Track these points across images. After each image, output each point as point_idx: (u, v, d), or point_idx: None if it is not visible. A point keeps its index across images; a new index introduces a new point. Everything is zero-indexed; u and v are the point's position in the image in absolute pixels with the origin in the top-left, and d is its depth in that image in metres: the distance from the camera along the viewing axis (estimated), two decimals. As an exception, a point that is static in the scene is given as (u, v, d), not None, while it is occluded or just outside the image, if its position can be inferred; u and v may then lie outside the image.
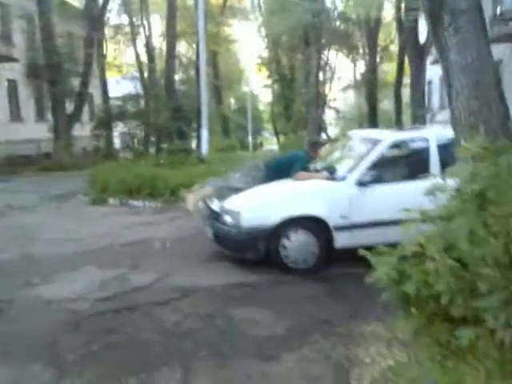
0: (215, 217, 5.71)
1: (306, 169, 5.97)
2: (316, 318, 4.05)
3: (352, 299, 4.42)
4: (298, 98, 27.98)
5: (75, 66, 20.83)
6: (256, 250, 5.33)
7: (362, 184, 5.37)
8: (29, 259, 6.11)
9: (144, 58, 29.24)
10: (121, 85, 26.14)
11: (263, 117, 62.64)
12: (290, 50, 30.32)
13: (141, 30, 29.61)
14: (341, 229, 5.30)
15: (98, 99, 28.10)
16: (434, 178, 3.96)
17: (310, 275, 5.17)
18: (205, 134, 18.88)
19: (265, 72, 40.56)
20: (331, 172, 5.74)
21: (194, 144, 22.45)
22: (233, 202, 5.64)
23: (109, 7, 29.30)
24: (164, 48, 27.00)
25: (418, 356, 2.97)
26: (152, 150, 22.08)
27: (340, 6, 26.50)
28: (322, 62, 26.10)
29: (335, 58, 33.21)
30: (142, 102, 23.76)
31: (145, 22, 29.51)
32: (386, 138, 5.77)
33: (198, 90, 20.92)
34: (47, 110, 21.61)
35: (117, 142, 25.24)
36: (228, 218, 5.47)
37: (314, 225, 5.30)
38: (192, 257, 6.02)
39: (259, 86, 49.78)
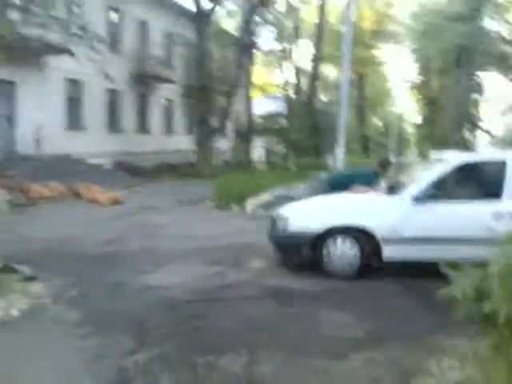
0: (272, 222, 6.09)
1: (369, 185, 6.08)
2: (395, 324, 3.97)
3: (435, 310, 4.15)
4: (445, 120, 26.59)
5: (223, 86, 22.32)
6: (299, 254, 5.61)
7: (418, 200, 5.44)
8: (149, 252, 6.72)
9: (290, 78, 30.34)
10: (264, 104, 27.42)
11: (410, 139, 60.52)
12: (440, 73, 29.07)
13: (289, 53, 30.86)
14: (389, 241, 5.39)
15: (244, 116, 29.81)
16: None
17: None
18: (339, 151, 18.88)
19: (414, 95, 39.41)
20: (391, 188, 5.81)
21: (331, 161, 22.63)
22: (285, 209, 6.07)
23: (262, 34, 31.32)
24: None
25: (492, 375, 2.69)
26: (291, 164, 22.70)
27: (496, 27, 24.78)
28: (473, 84, 24.56)
29: (490, 79, 31.10)
30: (282, 120, 24.62)
31: (294, 46, 30.69)
32: (451, 159, 5.82)
33: (338, 110, 21.14)
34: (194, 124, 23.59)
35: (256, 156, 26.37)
36: (279, 223, 5.83)
37: (360, 235, 5.42)
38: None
39: (407, 109, 48.46)
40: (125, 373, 3.16)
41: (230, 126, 25.79)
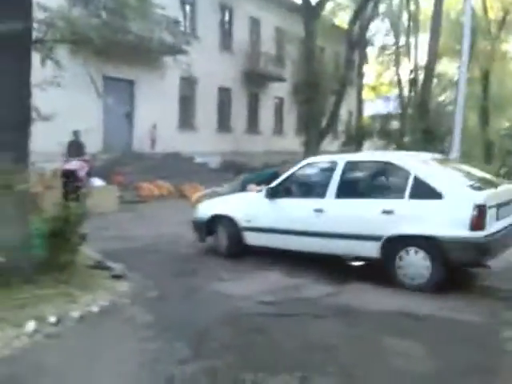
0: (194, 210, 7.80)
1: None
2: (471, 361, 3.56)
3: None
4: None
5: (334, 85, 21.90)
6: (201, 232, 7.36)
7: (269, 196, 6.55)
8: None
9: (406, 77, 29.05)
10: (376, 104, 26.58)
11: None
12: None
13: (406, 49, 29.48)
14: (248, 230, 6.73)
15: (355, 117, 29.16)
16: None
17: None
18: (453, 156, 17.69)
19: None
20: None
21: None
22: (203, 202, 7.83)
23: (376, 28, 30.23)
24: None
25: None
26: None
27: None
28: None
29: None
30: (395, 122, 23.65)
31: (412, 41, 29.27)
32: (304, 160, 6.95)
33: (454, 111, 19.84)
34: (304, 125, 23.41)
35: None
36: (195, 211, 7.66)
37: (230, 223, 6.89)
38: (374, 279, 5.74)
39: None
40: (171, 381, 3.23)
41: (339, 128, 25.43)
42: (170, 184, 14.60)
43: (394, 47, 30.75)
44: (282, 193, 6.50)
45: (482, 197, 5.20)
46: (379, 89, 33.51)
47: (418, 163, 5.86)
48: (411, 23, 28.71)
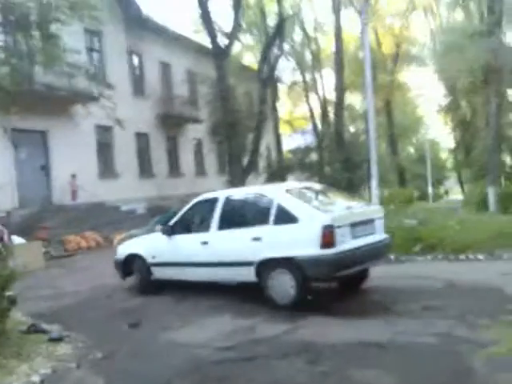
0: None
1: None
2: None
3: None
4: (479, 143, 25.82)
5: (251, 122, 22.33)
6: (120, 272, 7.94)
7: (165, 233, 7.32)
8: (178, 303, 6.50)
9: (317, 110, 30.31)
10: (294, 139, 27.38)
11: (445, 165, 59.16)
12: (468, 93, 28.42)
13: (313, 84, 30.86)
14: (154, 265, 7.44)
15: (274, 152, 29.79)
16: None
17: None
18: (374, 184, 18.46)
19: (445, 118, 38.65)
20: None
21: (365, 195, 22.20)
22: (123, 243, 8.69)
23: (283, 66, 31.49)
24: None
25: None
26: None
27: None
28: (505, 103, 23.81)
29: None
30: (314, 154, 24.41)
31: (317, 77, 30.72)
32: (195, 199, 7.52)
33: (367, 141, 20.88)
34: (226, 164, 23.53)
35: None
36: (115, 251, 8.30)
37: (140, 260, 7.59)
38: (322, 310, 5.75)
39: (440, 133, 47.52)
40: None
41: (261, 164, 25.78)
42: (97, 235, 13.98)
43: (301, 83, 32.13)
44: (178, 229, 7.23)
45: (329, 218, 5.82)
46: (294, 123, 34.67)
47: (281, 192, 6.46)
48: (314, 61, 30.23)
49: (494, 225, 10.33)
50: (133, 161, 20.41)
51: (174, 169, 23.65)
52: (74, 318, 6.08)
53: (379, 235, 6.58)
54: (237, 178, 20.23)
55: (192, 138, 25.25)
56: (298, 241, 5.87)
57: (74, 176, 16.41)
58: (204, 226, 6.94)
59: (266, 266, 6.04)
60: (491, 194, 18.98)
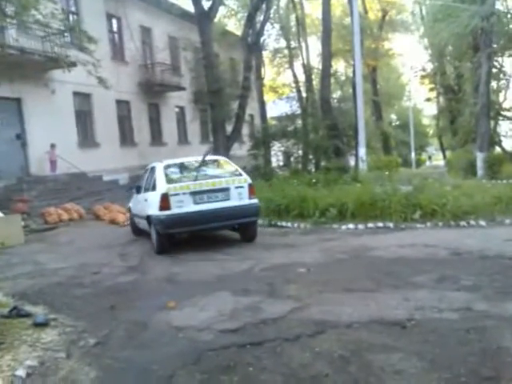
0: None
1: None
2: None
3: None
4: (466, 109, 25.50)
5: (235, 90, 21.61)
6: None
7: (136, 193, 9.55)
8: (171, 281, 6.06)
9: (302, 78, 29.63)
10: (278, 106, 26.73)
11: (428, 132, 59.27)
12: (456, 59, 27.96)
13: (298, 51, 30.11)
14: (133, 216, 9.93)
15: (258, 120, 29.16)
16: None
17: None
18: (362, 151, 18.11)
19: (428, 85, 38.24)
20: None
21: (352, 162, 21.86)
22: None
23: (268, 33, 30.55)
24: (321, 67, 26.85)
25: None
26: (311, 168, 21.92)
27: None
28: (494, 69, 23.44)
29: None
30: (299, 121, 23.86)
31: (302, 44, 29.96)
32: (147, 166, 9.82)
33: (354, 107, 20.39)
34: (210, 132, 22.85)
35: (275, 161, 25.60)
36: None
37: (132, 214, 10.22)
38: (336, 284, 5.38)
39: (422, 100, 47.26)
40: None
41: (245, 132, 25.16)
42: (79, 206, 13.38)
43: (286, 50, 31.29)
44: (140, 190, 9.29)
45: (165, 188, 7.77)
46: (278, 90, 33.97)
47: (159, 167, 8.50)
48: (299, 27, 29.37)
49: (491, 190, 10.07)
50: (114, 129, 19.64)
51: (157, 137, 22.96)
52: (60, 298, 5.59)
53: (236, 201, 7.93)
54: (221, 147, 19.64)
55: (175, 105, 24.47)
56: (153, 204, 7.98)
57: (53, 146, 15.65)
58: (145, 187, 8.99)
59: (148, 221, 8.20)
60: (480, 159, 18.82)
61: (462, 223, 8.43)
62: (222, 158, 9.60)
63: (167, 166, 8.54)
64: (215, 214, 7.68)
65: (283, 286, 5.42)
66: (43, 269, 7.33)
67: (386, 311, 4.38)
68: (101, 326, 4.55)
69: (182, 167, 8.69)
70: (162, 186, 7.85)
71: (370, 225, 8.78)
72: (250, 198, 8.04)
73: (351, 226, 8.88)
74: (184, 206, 7.61)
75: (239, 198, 7.95)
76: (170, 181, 7.96)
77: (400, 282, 5.26)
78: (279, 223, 9.73)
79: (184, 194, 7.66)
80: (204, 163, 8.46)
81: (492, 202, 8.94)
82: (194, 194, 7.69)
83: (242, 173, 8.36)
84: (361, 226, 8.80)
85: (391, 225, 8.65)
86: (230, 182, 8.00)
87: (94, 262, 7.56)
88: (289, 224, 9.57)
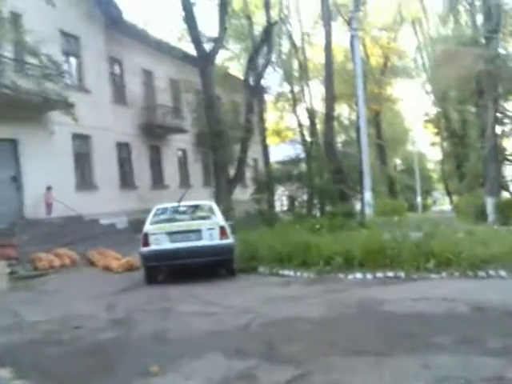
0: None
1: None
2: None
3: None
4: (473, 154, 25.12)
5: (237, 133, 21.35)
6: None
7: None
8: (159, 339, 5.40)
9: (305, 121, 29.51)
10: (282, 149, 26.45)
11: (432, 176, 58.90)
12: (459, 104, 27.79)
13: (301, 95, 30.13)
14: None
15: (261, 164, 28.85)
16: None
17: None
18: (368, 195, 17.63)
19: (432, 129, 38.17)
20: None
21: (358, 206, 21.31)
22: None
23: (270, 77, 30.75)
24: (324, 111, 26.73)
25: None
26: (316, 212, 21.38)
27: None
28: (498, 114, 23.18)
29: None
30: (303, 165, 23.51)
31: (305, 88, 30.01)
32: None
33: (359, 151, 20.02)
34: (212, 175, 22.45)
35: (279, 205, 25.05)
36: None
37: None
38: (344, 345, 4.71)
39: (426, 145, 47.17)
40: None
41: (248, 176, 24.80)
42: (73, 252, 12.77)
43: (289, 94, 31.34)
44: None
45: (146, 229, 9.24)
46: (282, 133, 33.90)
47: (153, 209, 10.15)
48: (302, 71, 29.52)
49: (508, 237, 9.44)
50: (113, 172, 19.26)
51: (158, 180, 22.59)
52: (31, 359, 4.93)
53: (207, 241, 8.98)
54: (223, 190, 19.16)
55: (176, 148, 24.25)
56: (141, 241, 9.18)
57: (49, 188, 15.22)
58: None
59: None
60: (490, 204, 18.27)
61: (481, 273, 7.76)
62: (206, 203, 11.06)
63: (158, 209, 10.10)
64: (188, 252, 8.81)
65: (283, 346, 4.75)
66: (21, 321, 6.66)
67: (405, 383, 3.72)
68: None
69: (172, 210, 10.06)
70: (145, 227, 9.33)
71: (379, 274, 8.12)
72: (221, 239, 9.03)
73: (359, 275, 8.22)
74: (161, 243, 8.98)
75: (210, 238, 9.01)
76: (153, 222, 9.47)
77: (417, 344, 4.59)
78: (281, 272, 9.07)
79: (161, 233, 9.06)
80: (179, 206, 10.05)
81: (511, 251, 8.29)
82: (169, 233, 9.05)
83: (218, 217, 9.53)
84: (369, 276, 8.14)
85: (402, 274, 8.00)
86: (202, 225, 9.19)
87: (77, 314, 6.90)
88: (291, 273, 8.91)
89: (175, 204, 10.19)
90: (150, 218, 9.64)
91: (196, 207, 10.48)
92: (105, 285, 9.62)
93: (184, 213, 9.98)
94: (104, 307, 7.28)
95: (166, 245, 8.94)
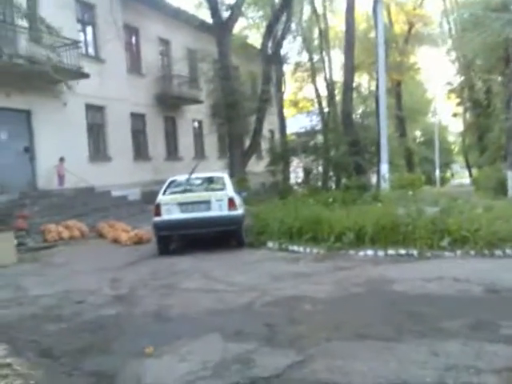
0: None
1: None
2: None
3: None
4: (496, 125, 24.29)
5: (253, 104, 20.92)
6: None
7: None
8: (158, 317, 5.25)
9: (324, 92, 28.84)
10: (299, 121, 25.95)
11: (453, 149, 57.70)
12: (485, 72, 26.81)
13: (321, 65, 29.36)
14: None
15: (278, 136, 28.40)
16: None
17: None
18: (384, 168, 17.13)
19: (455, 100, 37.06)
20: None
21: (374, 179, 20.85)
22: None
23: (290, 46, 29.91)
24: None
25: None
26: (332, 185, 21.03)
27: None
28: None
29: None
30: (320, 137, 23.02)
31: (325, 57, 29.20)
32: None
33: (377, 123, 19.45)
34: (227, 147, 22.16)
35: (294, 177, 24.71)
36: None
37: None
38: (349, 329, 4.49)
39: (448, 116, 45.96)
40: None
41: (264, 147, 24.47)
42: (83, 223, 12.73)
43: (308, 63, 30.58)
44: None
45: (159, 199, 9.49)
46: (300, 104, 33.26)
47: (168, 180, 10.42)
48: (323, 40, 28.65)
49: (530, 213, 9.02)
50: (127, 143, 19.08)
51: (173, 152, 22.40)
52: (28, 335, 4.83)
53: (217, 212, 9.21)
54: (237, 162, 18.91)
55: (192, 119, 23.96)
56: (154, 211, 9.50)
57: (62, 159, 15.14)
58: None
59: None
60: (511, 178, 17.72)
61: (498, 252, 7.43)
62: (218, 175, 11.16)
63: (172, 181, 10.30)
64: (197, 222, 9.12)
65: (285, 329, 4.56)
66: (23, 296, 6.60)
67: (411, 371, 3.49)
68: (57, 379, 3.77)
69: (185, 182, 10.11)
70: (158, 197, 9.61)
71: (391, 252, 7.83)
72: (229, 210, 9.25)
73: (370, 252, 7.95)
74: (172, 213, 9.23)
75: (219, 209, 9.25)
76: (166, 193, 9.72)
77: (426, 329, 4.35)
78: (290, 247, 8.84)
79: (173, 204, 9.31)
80: (192, 177, 10.25)
81: (530, 228, 7.91)
82: (180, 204, 9.30)
83: (227, 189, 9.67)
84: (380, 253, 7.86)
85: (415, 252, 7.71)
86: (211, 196, 9.41)
87: (81, 289, 6.81)
88: (301, 249, 8.67)
89: (195, 176, 10.43)
90: (163, 188, 9.87)
91: (208, 179, 10.61)
92: (112, 258, 9.56)
93: (196, 184, 10.15)
94: (108, 281, 7.18)
95: (177, 215, 9.19)
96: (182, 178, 10.45)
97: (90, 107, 17.13)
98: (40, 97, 14.96)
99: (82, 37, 17.30)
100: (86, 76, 15.62)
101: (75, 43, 15.38)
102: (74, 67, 15.01)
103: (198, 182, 10.37)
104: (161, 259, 9.05)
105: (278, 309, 5.25)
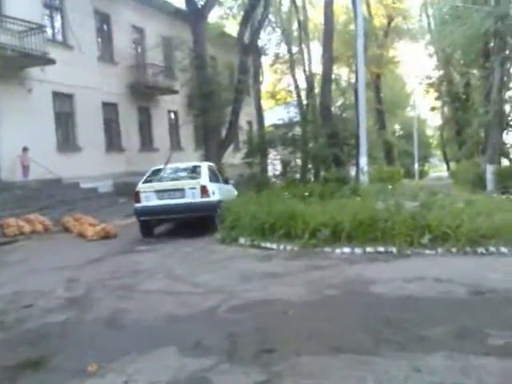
0: None
1: None
2: None
3: None
4: (475, 119, 24.13)
5: (230, 94, 20.34)
6: None
7: None
8: (110, 325, 4.71)
9: (303, 84, 28.43)
10: (277, 113, 25.46)
11: (431, 142, 57.98)
12: (464, 66, 26.63)
13: (300, 57, 28.94)
14: None
15: (256, 127, 27.89)
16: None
17: None
18: (363, 161, 16.77)
19: (433, 94, 36.94)
20: None
21: (353, 172, 20.51)
22: None
23: (268, 37, 29.37)
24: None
25: None
26: (310, 177, 20.63)
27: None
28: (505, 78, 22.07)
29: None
30: (298, 129, 22.57)
31: (304, 49, 28.79)
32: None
33: (356, 115, 19.07)
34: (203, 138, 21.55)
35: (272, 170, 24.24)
36: None
37: None
38: (322, 340, 4.03)
39: (427, 110, 45.95)
40: None
41: (241, 138, 23.90)
42: (47, 217, 12.05)
43: (287, 55, 30.11)
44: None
45: (138, 187, 10.32)
46: (279, 96, 32.80)
47: (150, 171, 11.17)
48: (302, 32, 28.19)
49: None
50: (99, 133, 18.38)
51: (147, 143, 21.74)
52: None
53: (190, 199, 9.96)
54: (212, 153, 18.34)
55: (167, 109, 23.28)
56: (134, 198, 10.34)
57: (25, 149, 14.40)
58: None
59: None
60: (490, 172, 17.50)
61: (480, 250, 7.05)
62: (197, 164, 11.83)
63: (155, 170, 11.04)
64: (172, 208, 9.87)
65: (250, 340, 4.05)
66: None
67: (389, 393, 3.04)
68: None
69: (165, 171, 10.84)
70: (138, 185, 10.42)
71: (369, 249, 7.39)
72: (202, 197, 10.00)
73: (346, 250, 7.49)
74: (150, 200, 10.07)
75: (192, 196, 9.98)
76: (145, 181, 10.52)
77: (407, 338, 3.90)
78: (263, 244, 8.30)
79: (150, 191, 10.14)
80: (171, 167, 11.07)
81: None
82: (157, 191, 10.14)
83: (202, 177, 10.40)
84: (358, 251, 7.40)
85: (394, 250, 7.28)
86: (185, 184, 10.17)
87: (33, 290, 6.23)
88: (274, 246, 8.15)
89: (167, 166, 11.08)
90: (145, 177, 10.68)
91: (186, 169, 11.36)
92: (74, 254, 8.97)
93: (174, 173, 10.92)
94: (64, 281, 6.61)
95: (155, 202, 10.05)
96: (163, 167, 11.07)
97: (57, 95, 16.38)
98: (2, 83, 14.16)
99: (48, 22, 16.48)
100: (52, 62, 14.87)
101: (40, 27, 14.61)
102: (38, 53, 14.23)
103: (177, 171, 11.13)
104: (125, 256, 8.50)
105: (244, 314, 4.75)
